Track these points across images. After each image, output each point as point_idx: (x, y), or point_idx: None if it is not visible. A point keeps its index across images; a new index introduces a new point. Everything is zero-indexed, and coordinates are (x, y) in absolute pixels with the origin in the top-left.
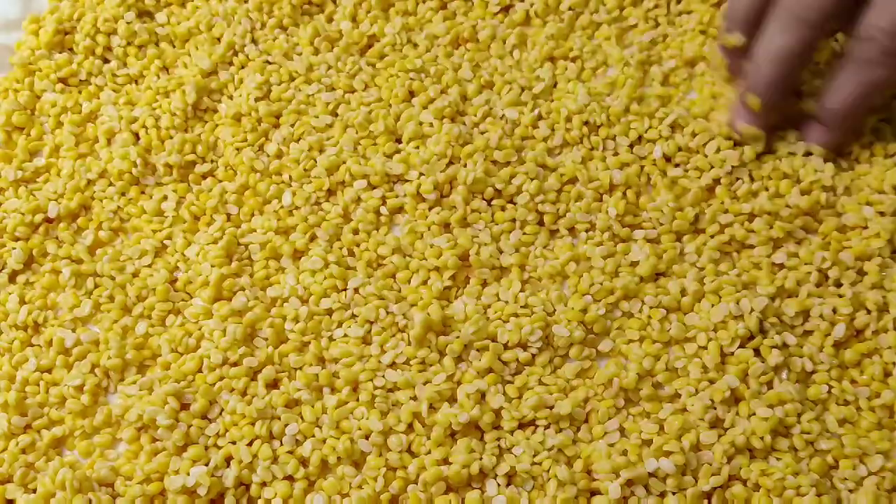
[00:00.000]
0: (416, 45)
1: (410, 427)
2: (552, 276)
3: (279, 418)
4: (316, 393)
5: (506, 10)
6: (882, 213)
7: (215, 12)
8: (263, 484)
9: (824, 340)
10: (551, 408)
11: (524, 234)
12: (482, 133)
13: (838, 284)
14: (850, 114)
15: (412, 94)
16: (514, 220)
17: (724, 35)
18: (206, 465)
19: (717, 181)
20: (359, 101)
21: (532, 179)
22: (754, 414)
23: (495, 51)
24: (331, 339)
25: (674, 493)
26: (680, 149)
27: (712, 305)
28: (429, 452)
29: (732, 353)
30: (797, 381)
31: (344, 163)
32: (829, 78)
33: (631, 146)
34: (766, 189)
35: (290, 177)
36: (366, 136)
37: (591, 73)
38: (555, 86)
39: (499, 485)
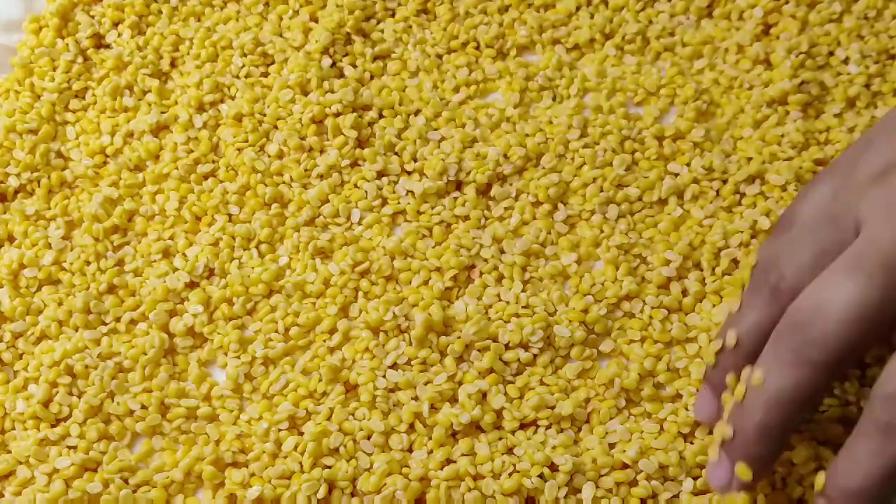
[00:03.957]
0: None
1: (412, 427)
2: (553, 277)
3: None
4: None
5: (506, 9)
6: None
7: None
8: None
9: None
10: (553, 408)
11: (526, 234)
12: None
13: None
14: (870, 495)
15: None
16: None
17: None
18: None
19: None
20: None
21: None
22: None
23: (498, 51)
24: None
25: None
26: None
27: (713, 306)
28: (430, 452)
29: None
30: None
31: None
32: (844, 445)
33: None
34: None
35: (291, 177)
36: None
37: (592, 72)
38: (557, 87)
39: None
